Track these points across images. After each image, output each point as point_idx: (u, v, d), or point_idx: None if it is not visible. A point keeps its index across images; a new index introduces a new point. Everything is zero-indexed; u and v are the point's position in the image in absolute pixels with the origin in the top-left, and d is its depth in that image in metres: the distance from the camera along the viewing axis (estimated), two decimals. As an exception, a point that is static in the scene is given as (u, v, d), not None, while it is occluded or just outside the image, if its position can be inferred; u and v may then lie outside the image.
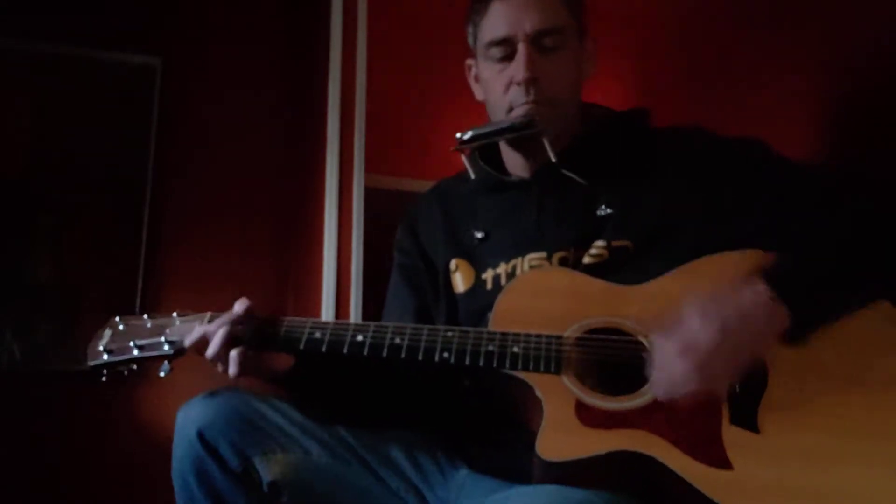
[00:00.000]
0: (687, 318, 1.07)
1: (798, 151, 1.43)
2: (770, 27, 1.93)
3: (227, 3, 3.06)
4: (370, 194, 2.58)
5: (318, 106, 2.75)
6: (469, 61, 1.48)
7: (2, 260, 2.61)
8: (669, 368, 1.07)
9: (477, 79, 1.46)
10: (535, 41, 1.32)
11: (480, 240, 1.42)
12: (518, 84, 1.33)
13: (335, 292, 2.51)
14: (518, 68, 1.32)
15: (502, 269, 1.36)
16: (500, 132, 1.35)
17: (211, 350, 1.24)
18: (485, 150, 1.44)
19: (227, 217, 2.91)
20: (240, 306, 1.28)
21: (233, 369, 1.23)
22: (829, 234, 1.18)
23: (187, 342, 1.26)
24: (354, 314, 2.44)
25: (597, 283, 1.25)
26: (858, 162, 1.64)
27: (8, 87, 2.71)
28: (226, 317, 1.26)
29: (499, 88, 1.36)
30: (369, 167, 2.59)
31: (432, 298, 1.47)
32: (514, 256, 1.36)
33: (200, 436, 1.23)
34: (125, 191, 2.78)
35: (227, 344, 1.24)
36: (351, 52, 2.65)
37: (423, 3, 3.15)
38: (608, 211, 1.31)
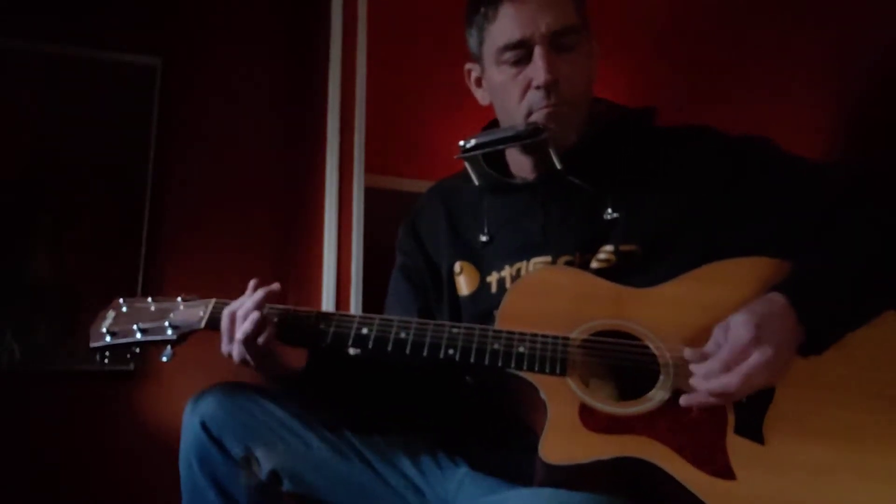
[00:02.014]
0: (731, 328, 1.09)
1: (807, 151, 1.43)
2: (780, 26, 1.93)
3: (227, 3, 3.06)
4: (370, 194, 2.57)
5: (318, 106, 2.75)
6: (469, 66, 1.44)
7: (2, 260, 2.61)
8: (714, 378, 1.07)
9: (479, 83, 1.44)
10: (551, 42, 1.29)
11: (485, 243, 1.40)
12: (538, 87, 1.29)
13: (335, 292, 2.51)
14: (537, 71, 1.28)
15: (507, 272, 1.36)
16: (504, 140, 1.33)
17: (247, 326, 1.21)
18: (487, 153, 1.41)
19: (227, 217, 2.91)
20: (255, 287, 1.27)
21: (238, 351, 1.22)
22: (846, 242, 1.18)
23: (225, 318, 1.24)
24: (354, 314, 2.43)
25: (605, 285, 1.24)
26: (870, 162, 1.64)
27: (8, 87, 2.71)
28: (261, 296, 1.24)
29: (515, 93, 1.32)
30: (369, 167, 2.58)
31: (435, 299, 1.46)
32: (519, 260, 1.35)
33: (204, 426, 1.27)
34: (125, 191, 2.78)
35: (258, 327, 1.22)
36: (351, 52, 2.64)
37: (423, 3, 3.14)
38: (615, 215, 1.30)
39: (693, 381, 1.09)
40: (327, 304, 2.49)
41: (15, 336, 2.57)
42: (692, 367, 1.10)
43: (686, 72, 2.31)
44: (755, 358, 1.05)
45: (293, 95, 3.05)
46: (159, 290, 2.75)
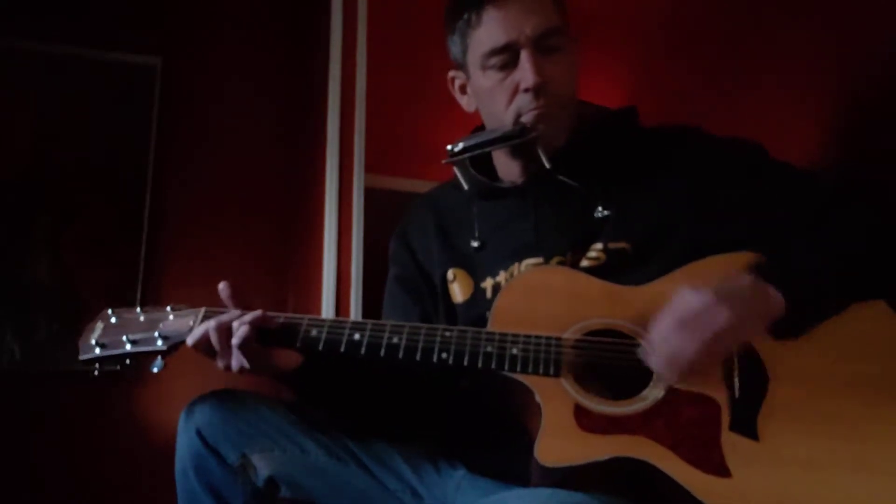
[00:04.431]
0: (681, 295, 1.09)
1: (800, 152, 1.42)
2: (773, 27, 1.92)
3: (228, 3, 3.06)
4: (370, 194, 2.57)
5: (318, 106, 2.75)
6: (452, 73, 1.43)
7: (2, 260, 2.61)
8: (667, 342, 1.08)
9: (463, 90, 1.43)
10: (537, 44, 1.29)
11: (477, 248, 1.40)
12: (526, 90, 1.29)
13: (335, 292, 2.51)
14: (525, 74, 1.28)
15: (501, 276, 1.35)
16: (492, 142, 1.32)
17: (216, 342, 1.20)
18: (475, 157, 1.39)
19: (227, 217, 2.91)
20: (225, 292, 1.25)
21: (236, 363, 1.21)
22: (825, 240, 1.18)
23: (190, 340, 1.22)
24: (354, 314, 2.44)
25: (596, 284, 1.24)
26: (861, 164, 1.64)
27: (8, 87, 2.71)
28: (234, 314, 1.22)
29: (503, 98, 1.32)
30: (369, 167, 2.58)
31: (432, 308, 1.45)
32: (512, 263, 1.35)
33: (200, 434, 1.26)
34: (125, 190, 2.78)
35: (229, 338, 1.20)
36: (351, 53, 2.64)
37: (423, 3, 3.14)
38: (605, 213, 1.30)
39: (645, 344, 1.10)
40: (327, 303, 2.49)
41: (15, 336, 2.58)
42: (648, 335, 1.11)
43: (681, 76, 2.31)
44: (711, 320, 1.05)
45: (293, 95, 3.05)
46: (159, 289, 2.76)
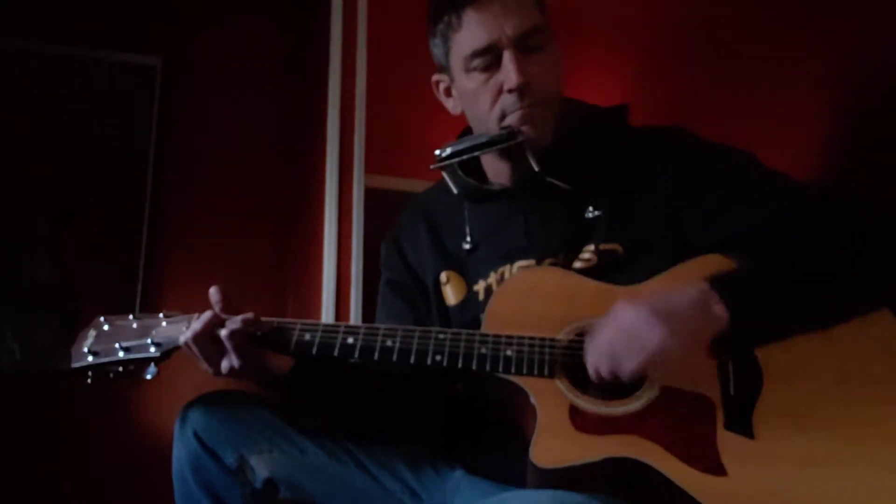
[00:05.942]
0: (621, 309, 1.10)
1: (796, 155, 1.42)
2: (771, 35, 1.93)
3: (227, 4, 3.06)
4: (370, 194, 2.57)
5: (318, 107, 2.75)
6: (436, 76, 1.43)
7: (2, 260, 2.62)
8: (587, 349, 1.11)
9: (448, 93, 1.43)
10: (519, 44, 1.28)
11: (468, 251, 1.40)
12: (510, 91, 1.28)
13: (335, 293, 2.51)
14: (508, 75, 1.27)
15: (493, 279, 1.35)
16: (479, 147, 1.32)
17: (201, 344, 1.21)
18: (464, 161, 1.38)
19: (227, 217, 2.92)
20: (215, 296, 1.25)
21: (226, 363, 1.21)
22: (792, 254, 1.16)
23: (182, 339, 1.22)
24: (354, 315, 2.44)
25: (590, 284, 1.24)
26: (859, 163, 1.65)
27: (8, 87, 2.72)
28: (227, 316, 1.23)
29: (486, 99, 1.31)
30: (369, 167, 2.58)
31: (425, 312, 1.45)
32: (503, 265, 1.35)
33: (197, 435, 1.25)
34: (125, 191, 2.79)
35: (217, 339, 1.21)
36: (351, 53, 2.64)
37: (424, 3, 3.14)
38: (596, 213, 1.30)
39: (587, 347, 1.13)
40: (327, 304, 2.49)
41: (15, 336, 2.58)
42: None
43: (683, 76, 2.31)
44: (649, 339, 1.06)
45: (293, 95, 3.06)
46: (159, 289, 2.76)
